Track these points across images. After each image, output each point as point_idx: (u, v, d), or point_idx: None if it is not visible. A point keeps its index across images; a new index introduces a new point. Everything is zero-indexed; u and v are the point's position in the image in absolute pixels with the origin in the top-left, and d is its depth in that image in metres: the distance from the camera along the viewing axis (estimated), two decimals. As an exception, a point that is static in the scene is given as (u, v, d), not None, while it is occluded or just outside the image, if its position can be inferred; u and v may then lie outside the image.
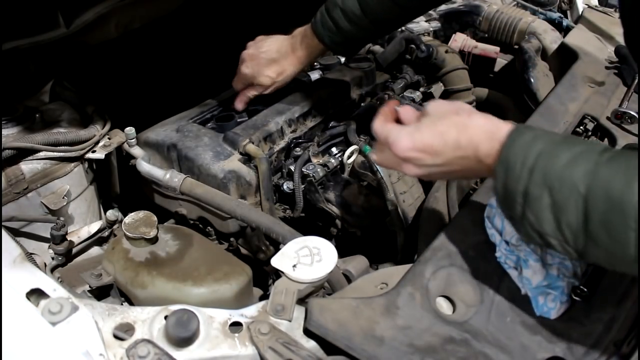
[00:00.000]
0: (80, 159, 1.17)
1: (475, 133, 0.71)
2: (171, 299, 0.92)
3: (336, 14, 1.17)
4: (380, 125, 0.81)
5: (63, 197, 1.14)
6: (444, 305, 0.82)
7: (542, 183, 0.63)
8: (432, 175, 0.79)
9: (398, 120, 0.84)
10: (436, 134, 0.74)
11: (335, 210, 1.26)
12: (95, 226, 1.20)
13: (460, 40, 1.75)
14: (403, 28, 1.73)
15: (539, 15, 1.78)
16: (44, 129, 1.14)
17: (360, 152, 1.29)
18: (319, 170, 1.25)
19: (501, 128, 0.70)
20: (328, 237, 1.31)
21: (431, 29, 1.78)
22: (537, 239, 0.66)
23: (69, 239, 1.13)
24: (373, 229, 1.29)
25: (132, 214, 1.02)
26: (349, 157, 1.30)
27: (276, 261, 0.81)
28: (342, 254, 1.12)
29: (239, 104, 1.33)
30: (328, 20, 1.19)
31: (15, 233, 1.09)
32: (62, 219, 1.09)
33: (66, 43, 1.26)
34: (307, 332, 0.76)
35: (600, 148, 0.63)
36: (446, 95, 1.66)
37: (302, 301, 0.81)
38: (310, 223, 1.33)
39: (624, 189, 0.57)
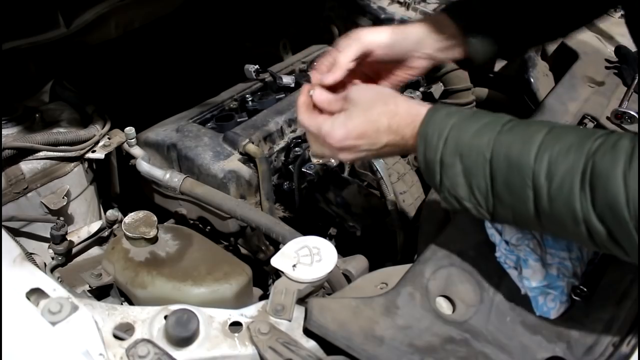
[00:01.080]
0: (80, 158, 1.17)
1: (402, 118, 0.76)
2: (171, 298, 0.92)
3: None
4: (307, 118, 0.82)
5: (63, 197, 1.14)
6: (444, 305, 0.82)
7: (454, 151, 0.69)
8: (366, 158, 0.84)
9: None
10: (369, 121, 0.77)
11: (335, 210, 1.26)
12: (95, 226, 1.20)
13: (460, 40, 1.75)
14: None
15: (539, 15, 1.78)
16: (44, 128, 1.15)
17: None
18: (319, 170, 1.25)
19: (422, 110, 0.75)
20: (328, 237, 1.31)
21: (431, 29, 1.77)
22: (455, 204, 0.72)
23: (69, 238, 1.13)
24: (373, 229, 1.30)
25: (132, 213, 1.02)
26: (349, 157, 1.30)
27: (276, 261, 0.81)
28: (342, 254, 1.12)
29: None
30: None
31: (15, 233, 1.09)
32: (62, 218, 1.09)
33: (66, 43, 1.26)
34: (307, 332, 0.76)
35: (504, 119, 0.69)
36: (446, 95, 1.66)
37: (302, 301, 0.81)
38: (310, 223, 1.34)
39: (521, 151, 0.64)
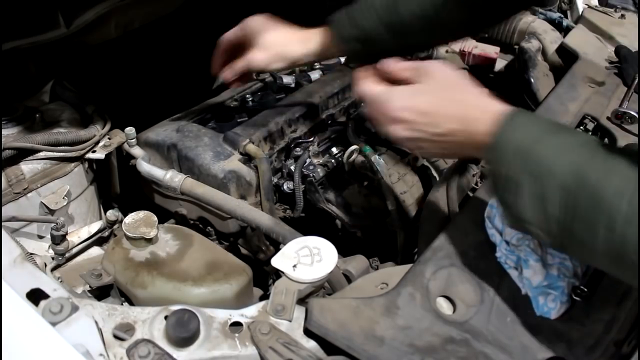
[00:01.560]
0: (80, 159, 1.17)
1: (474, 112, 0.70)
2: (171, 299, 0.92)
3: (360, 5, 0.99)
4: (366, 84, 0.78)
5: (63, 197, 1.14)
6: (444, 305, 0.82)
7: (528, 170, 0.63)
8: (419, 142, 0.74)
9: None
10: (439, 101, 0.72)
11: (335, 210, 1.26)
12: (95, 226, 1.20)
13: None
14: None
15: (539, 15, 1.78)
16: (44, 129, 1.15)
17: (360, 152, 1.29)
18: (319, 170, 1.25)
19: (497, 107, 0.70)
20: (328, 237, 1.31)
21: (431, 29, 1.77)
22: (517, 225, 0.68)
23: (69, 239, 1.13)
24: (373, 229, 1.30)
25: (132, 214, 1.02)
26: (349, 157, 1.30)
27: (276, 261, 0.81)
28: (342, 254, 1.12)
29: (226, 72, 1.14)
30: (348, 12, 1.01)
31: (16, 233, 1.09)
32: (62, 219, 1.09)
33: (66, 43, 1.26)
34: (307, 332, 0.76)
35: (593, 142, 0.63)
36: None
37: (302, 301, 0.81)
38: (310, 223, 1.33)
39: (608, 186, 0.57)
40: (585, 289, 0.80)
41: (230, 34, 1.11)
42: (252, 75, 1.20)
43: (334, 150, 1.34)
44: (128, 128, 1.19)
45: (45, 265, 1.11)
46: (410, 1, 0.96)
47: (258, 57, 1.07)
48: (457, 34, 1.15)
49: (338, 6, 1.78)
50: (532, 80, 1.56)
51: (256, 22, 1.09)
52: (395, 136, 0.74)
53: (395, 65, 0.78)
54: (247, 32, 1.09)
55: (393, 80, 0.78)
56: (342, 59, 1.60)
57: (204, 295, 0.93)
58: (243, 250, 1.29)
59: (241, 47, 1.10)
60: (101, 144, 1.18)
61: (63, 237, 1.10)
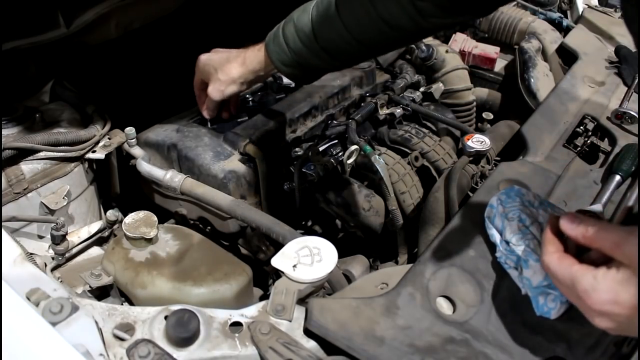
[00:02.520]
0: (80, 159, 1.17)
1: None
2: (171, 299, 0.92)
3: (289, 30, 1.07)
4: (557, 262, 0.68)
5: (63, 197, 1.14)
6: (444, 305, 0.82)
7: None
8: (623, 331, 0.65)
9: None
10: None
11: (335, 210, 1.26)
12: (95, 226, 1.20)
13: (460, 40, 1.76)
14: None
15: (539, 15, 1.78)
16: (44, 129, 1.14)
17: (360, 152, 1.29)
18: (319, 170, 1.25)
19: None
20: (328, 237, 1.31)
21: (431, 29, 1.77)
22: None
23: (69, 239, 1.13)
24: (373, 229, 1.29)
25: (132, 214, 1.02)
26: (349, 157, 1.30)
27: (276, 261, 0.81)
28: (342, 254, 1.12)
29: (205, 112, 1.28)
30: (280, 35, 1.08)
31: (16, 233, 1.09)
32: (62, 219, 1.09)
33: (66, 43, 1.26)
34: (308, 332, 0.76)
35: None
36: (446, 95, 1.66)
37: (302, 301, 0.81)
38: (310, 223, 1.34)
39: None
40: (585, 289, 0.79)
41: (195, 81, 1.27)
42: (229, 106, 1.31)
43: (334, 150, 1.34)
44: (128, 128, 1.19)
45: (46, 265, 1.12)
46: (329, 32, 1.03)
47: (212, 90, 1.21)
48: (382, 52, 1.34)
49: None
50: (532, 80, 1.57)
51: (203, 60, 1.22)
52: (600, 326, 0.66)
53: (592, 234, 0.67)
54: (201, 72, 1.24)
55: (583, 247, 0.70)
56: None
57: (204, 295, 0.93)
58: (243, 250, 1.29)
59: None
60: (101, 144, 1.18)
61: (63, 237, 1.10)
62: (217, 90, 1.20)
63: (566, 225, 0.69)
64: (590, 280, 0.64)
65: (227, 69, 1.18)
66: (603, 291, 0.63)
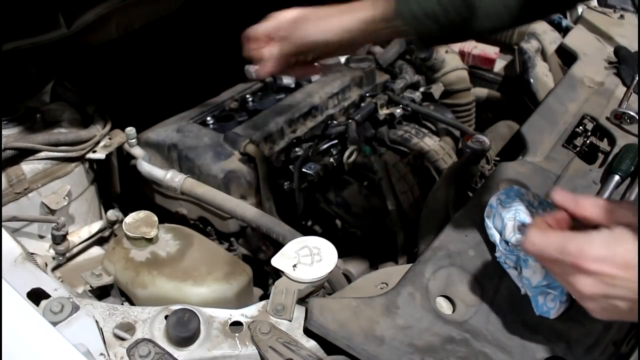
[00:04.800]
0: (81, 159, 1.17)
1: None
2: (172, 298, 0.92)
3: None
4: (539, 235, 0.65)
5: (64, 197, 1.15)
6: (444, 305, 0.82)
7: None
8: (611, 300, 0.61)
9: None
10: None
11: (335, 210, 1.26)
12: (95, 226, 1.20)
13: (460, 40, 1.76)
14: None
15: (539, 16, 1.78)
16: (45, 129, 1.15)
17: (360, 152, 1.30)
18: (319, 170, 1.25)
19: None
20: (328, 237, 1.31)
21: (431, 29, 1.77)
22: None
23: (69, 238, 1.13)
24: (373, 229, 1.30)
25: (133, 213, 1.02)
26: (349, 157, 1.30)
27: (276, 261, 0.82)
28: (342, 254, 1.12)
29: (267, 66, 0.91)
30: None
31: (16, 233, 1.09)
32: (62, 219, 1.09)
33: (67, 43, 1.27)
34: (308, 332, 0.77)
35: None
36: (446, 95, 1.66)
37: (302, 301, 0.81)
38: (310, 223, 1.34)
39: None
40: (585, 289, 0.80)
41: (265, 26, 0.90)
42: (313, 63, 0.95)
43: (334, 150, 1.35)
44: (128, 128, 1.19)
45: (46, 265, 1.12)
46: None
47: (302, 33, 0.86)
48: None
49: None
50: (532, 80, 1.57)
51: (290, 13, 0.88)
52: (581, 292, 0.61)
53: (590, 203, 0.66)
54: (281, 23, 0.88)
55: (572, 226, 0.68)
56: (342, 59, 1.61)
57: (204, 295, 0.93)
58: (243, 250, 1.29)
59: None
60: (102, 144, 1.19)
61: (64, 237, 1.11)
62: (311, 32, 0.85)
63: (558, 196, 0.68)
64: (582, 238, 0.61)
65: (324, 21, 0.86)
66: (597, 244, 0.60)
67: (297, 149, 1.29)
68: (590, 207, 0.66)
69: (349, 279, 1.11)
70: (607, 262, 0.59)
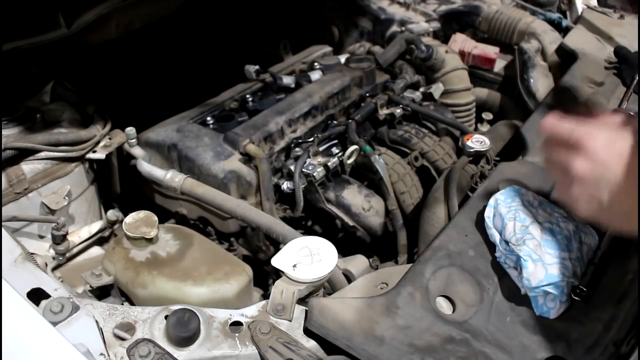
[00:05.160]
0: (81, 159, 1.17)
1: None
2: (172, 298, 0.92)
3: None
4: (560, 121, 0.69)
5: (64, 197, 1.15)
6: (444, 305, 0.82)
7: None
8: (597, 184, 0.65)
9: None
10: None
11: (335, 210, 1.26)
12: (95, 226, 1.20)
13: (460, 40, 1.76)
14: (403, 28, 1.74)
15: (539, 16, 1.78)
16: (45, 129, 1.15)
17: (360, 152, 1.30)
18: (319, 170, 1.25)
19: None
20: (328, 237, 1.31)
21: (431, 29, 1.78)
22: None
23: (69, 238, 1.13)
24: (376, 232, 1.30)
25: (133, 213, 1.02)
26: (349, 157, 1.30)
27: (276, 261, 0.82)
28: (342, 254, 1.12)
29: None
30: None
31: (16, 233, 1.09)
32: (62, 219, 1.09)
33: (67, 43, 1.27)
34: (308, 332, 0.77)
35: None
36: (446, 95, 1.66)
37: (302, 301, 0.81)
38: (310, 223, 1.34)
39: None
40: (585, 289, 0.80)
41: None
42: None
43: (334, 150, 1.35)
44: (128, 128, 1.19)
45: (46, 265, 1.12)
46: None
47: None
48: None
49: (338, 7, 1.79)
50: (532, 80, 1.57)
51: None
52: (576, 173, 0.65)
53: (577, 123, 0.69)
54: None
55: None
56: (342, 59, 1.61)
57: (204, 295, 0.93)
58: (243, 250, 1.29)
59: None
60: (102, 144, 1.19)
61: (64, 237, 1.11)
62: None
63: (550, 120, 0.71)
64: (592, 126, 0.67)
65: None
66: (603, 134, 0.65)
67: (297, 149, 1.29)
68: (584, 125, 0.69)
69: (349, 279, 1.11)
70: (606, 149, 0.64)
